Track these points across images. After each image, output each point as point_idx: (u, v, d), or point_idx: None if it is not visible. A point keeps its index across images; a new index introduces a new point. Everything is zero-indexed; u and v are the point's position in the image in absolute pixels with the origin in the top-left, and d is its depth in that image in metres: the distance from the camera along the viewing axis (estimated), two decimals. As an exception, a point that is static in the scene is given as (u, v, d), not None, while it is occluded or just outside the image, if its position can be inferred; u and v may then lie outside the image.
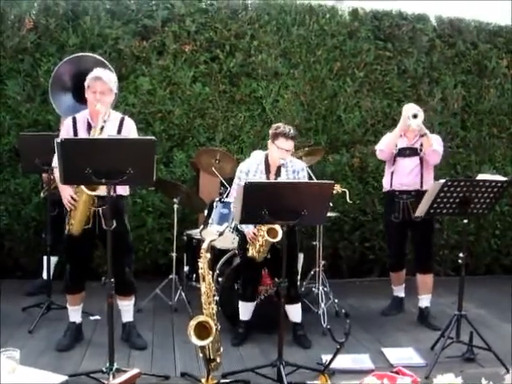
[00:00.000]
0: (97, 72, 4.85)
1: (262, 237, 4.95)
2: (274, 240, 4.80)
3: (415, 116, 5.77)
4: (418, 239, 6.07)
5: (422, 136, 5.84)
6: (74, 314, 5.17)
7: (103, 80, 4.76)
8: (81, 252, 4.97)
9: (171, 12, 7.29)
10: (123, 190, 4.97)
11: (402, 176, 5.95)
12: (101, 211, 4.78)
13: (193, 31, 7.29)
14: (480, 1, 8.71)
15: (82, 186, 4.48)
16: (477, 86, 8.06)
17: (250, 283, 5.39)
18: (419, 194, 5.68)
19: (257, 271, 5.38)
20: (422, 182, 5.90)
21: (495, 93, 8.06)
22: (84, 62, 5.99)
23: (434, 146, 5.81)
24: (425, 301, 6.04)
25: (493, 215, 7.93)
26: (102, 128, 4.59)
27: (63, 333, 5.15)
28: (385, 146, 5.99)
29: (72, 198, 4.70)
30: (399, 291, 6.38)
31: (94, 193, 4.54)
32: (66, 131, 4.83)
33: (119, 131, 4.86)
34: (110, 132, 4.72)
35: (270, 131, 5.14)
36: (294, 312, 5.34)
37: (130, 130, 4.95)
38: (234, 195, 5.03)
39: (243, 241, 5.25)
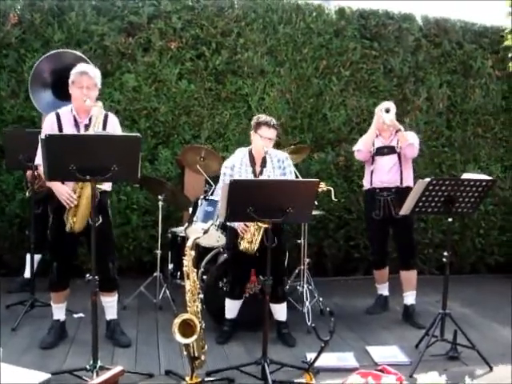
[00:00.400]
0: (82, 67, 4.84)
1: (253, 225, 4.93)
2: (266, 225, 4.76)
3: (387, 110, 5.86)
4: (399, 236, 6.12)
5: (396, 132, 5.93)
6: (58, 312, 5.13)
7: (89, 75, 4.75)
8: (67, 248, 4.94)
9: (157, 9, 7.26)
10: (107, 186, 4.92)
11: (382, 174, 6.02)
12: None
13: (179, 28, 7.27)
14: (466, 1, 8.75)
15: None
16: (462, 86, 8.11)
17: (239, 281, 5.37)
18: (399, 191, 5.86)
19: (246, 269, 5.36)
20: (401, 179, 5.97)
21: (480, 93, 8.11)
22: (64, 58, 5.97)
23: (410, 139, 5.90)
24: (409, 298, 6.06)
25: (477, 214, 7.98)
26: (98, 124, 4.60)
27: (47, 330, 5.12)
28: (362, 145, 6.05)
29: (71, 196, 4.62)
30: (383, 289, 6.39)
31: (101, 187, 4.56)
32: (49, 127, 4.76)
33: (104, 127, 4.80)
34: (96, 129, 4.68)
35: (252, 122, 5.20)
36: (280, 311, 5.34)
37: (115, 126, 4.93)
38: (218, 193, 5.05)
39: (233, 236, 5.19)
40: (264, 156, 5.17)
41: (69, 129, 4.76)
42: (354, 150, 6.17)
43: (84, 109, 4.73)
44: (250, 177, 5.15)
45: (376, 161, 6.04)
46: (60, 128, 4.77)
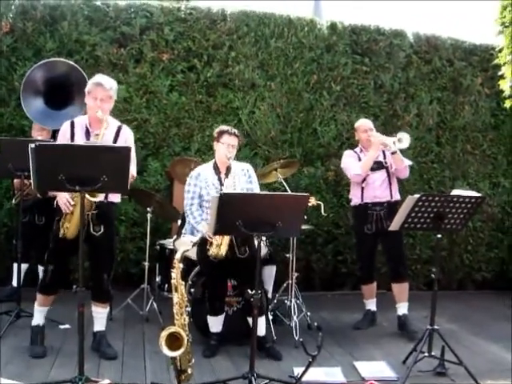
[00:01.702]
0: (98, 78, 4.91)
1: None
2: None
3: (400, 140, 5.93)
4: (391, 249, 6.15)
5: (392, 153, 6.00)
6: (40, 316, 5.11)
7: (104, 87, 4.80)
8: (66, 253, 4.95)
9: (150, 20, 7.27)
10: (115, 197, 4.95)
11: (374, 189, 6.10)
12: (90, 215, 4.78)
13: (171, 40, 7.28)
14: (456, 19, 8.82)
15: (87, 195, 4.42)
16: (452, 103, 8.16)
17: (216, 297, 5.36)
18: (390, 205, 6.03)
19: (222, 284, 5.37)
20: (391, 193, 6.11)
21: (470, 110, 8.16)
22: (57, 67, 5.97)
23: (405, 162, 6.08)
24: (402, 309, 6.11)
25: (465, 231, 8.00)
26: (97, 134, 4.65)
27: (31, 339, 5.07)
28: (362, 171, 6.05)
29: (69, 202, 4.66)
30: (371, 305, 6.38)
31: (95, 199, 4.52)
32: (63, 135, 4.84)
33: (115, 139, 4.88)
34: (107, 139, 4.75)
35: (214, 134, 5.34)
36: (259, 325, 5.15)
37: (127, 139, 4.97)
38: (188, 207, 5.27)
39: (202, 249, 5.19)
40: (228, 165, 5.25)
41: (80, 137, 4.81)
42: (350, 174, 6.16)
43: (96, 119, 4.77)
44: (216, 183, 5.21)
45: (367, 177, 6.08)
46: (72, 136, 4.82)
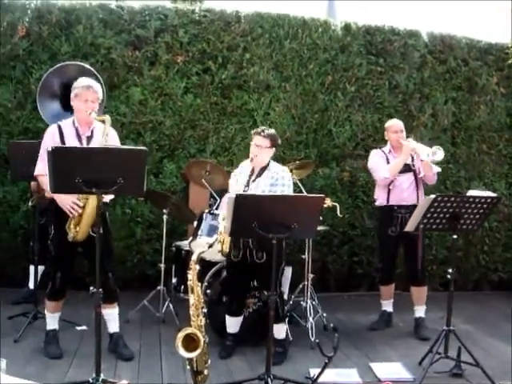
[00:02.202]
0: (86, 81, 4.93)
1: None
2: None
3: (434, 153, 5.88)
4: (411, 252, 6.01)
5: (421, 161, 5.99)
6: (54, 321, 5.16)
7: (94, 89, 4.84)
8: (69, 258, 5.02)
9: (164, 22, 7.29)
10: (106, 198, 4.96)
11: (401, 192, 6.07)
12: None
13: (185, 42, 7.30)
14: (471, 18, 8.78)
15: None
16: (467, 103, 8.11)
17: (236, 298, 5.37)
18: (415, 208, 5.79)
19: (243, 285, 5.36)
20: (418, 197, 6.07)
21: (485, 109, 8.11)
22: (73, 70, 5.99)
23: (434, 169, 6.02)
24: (420, 312, 6.14)
25: (481, 231, 7.95)
26: (106, 137, 4.72)
27: (48, 342, 5.12)
28: (391, 175, 6.03)
29: (76, 204, 4.68)
30: (388, 306, 6.38)
31: (107, 197, 4.68)
32: (51, 139, 4.80)
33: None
34: (97, 140, 4.80)
35: None
36: (278, 329, 5.22)
37: (114, 139, 4.99)
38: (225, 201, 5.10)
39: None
40: (264, 167, 5.22)
41: (71, 141, 4.82)
42: (380, 177, 6.12)
43: (87, 121, 4.82)
44: (243, 182, 5.22)
45: (394, 179, 6.06)
46: (62, 140, 4.82)
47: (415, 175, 6.09)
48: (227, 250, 5.13)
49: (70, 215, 4.72)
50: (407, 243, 6.05)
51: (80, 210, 4.69)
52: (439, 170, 6.14)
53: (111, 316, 5.18)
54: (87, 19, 7.09)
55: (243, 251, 5.16)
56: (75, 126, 4.88)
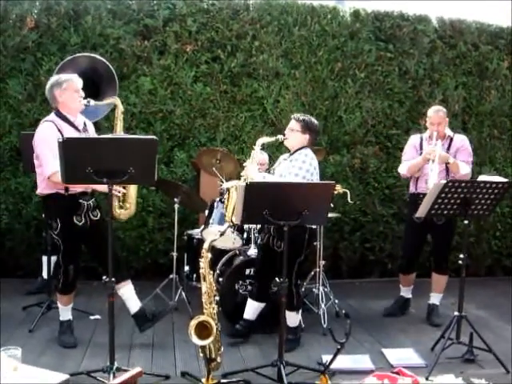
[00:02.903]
0: (66, 75, 5.02)
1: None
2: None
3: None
4: (439, 241, 6.09)
5: (447, 163, 5.77)
6: (67, 313, 5.22)
7: (78, 78, 4.99)
8: (79, 249, 5.14)
9: (172, 12, 7.29)
10: None
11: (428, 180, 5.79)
12: (92, 204, 5.00)
13: (194, 31, 7.29)
14: (481, 2, 8.71)
15: None
16: (478, 88, 8.06)
17: (265, 283, 5.34)
18: None
19: (270, 271, 5.21)
20: None
21: (496, 94, 8.05)
22: (84, 62, 6.00)
23: (462, 170, 5.75)
24: (435, 298, 6.15)
25: (493, 217, 7.93)
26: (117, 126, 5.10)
27: (62, 331, 5.18)
28: (407, 172, 5.99)
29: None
30: (406, 292, 6.35)
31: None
32: (52, 134, 4.73)
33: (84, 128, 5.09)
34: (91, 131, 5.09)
35: None
36: (291, 317, 5.22)
37: (93, 131, 5.22)
38: None
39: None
40: (294, 152, 5.20)
41: (70, 133, 4.84)
42: (399, 170, 6.14)
43: (77, 110, 4.97)
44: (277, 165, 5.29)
45: (422, 166, 5.89)
46: (61, 133, 4.78)
47: (446, 166, 5.80)
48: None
49: (116, 194, 5.01)
50: (434, 233, 6.04)
51: (124, 190, 5.06)
52: (468, 171, 5.82)
53: (128, 294, 5.20)
54: (95, 10, 7.10)
55: (267, 236, 5.20)
56: (66, 119, 4.91)
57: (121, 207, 5.24)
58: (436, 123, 5.86)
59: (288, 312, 5.09)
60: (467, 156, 5.95)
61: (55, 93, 4.91)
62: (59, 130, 4.81)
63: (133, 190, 5.28)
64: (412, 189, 6.12)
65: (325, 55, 7.58)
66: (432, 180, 5.56)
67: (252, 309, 5.40)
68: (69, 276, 5.07)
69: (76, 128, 4.93)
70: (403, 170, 6.04)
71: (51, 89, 4.92)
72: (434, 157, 5.64)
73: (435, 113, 5.91)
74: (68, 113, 4.94)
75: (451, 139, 5.95)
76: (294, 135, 5.18)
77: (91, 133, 5.10)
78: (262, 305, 5.40)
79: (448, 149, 5.90)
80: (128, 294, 5.21)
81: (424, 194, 5.68)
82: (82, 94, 4.94)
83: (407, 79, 7.84)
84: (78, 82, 4.94)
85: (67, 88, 4.89)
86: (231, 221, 5.00)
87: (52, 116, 4.94)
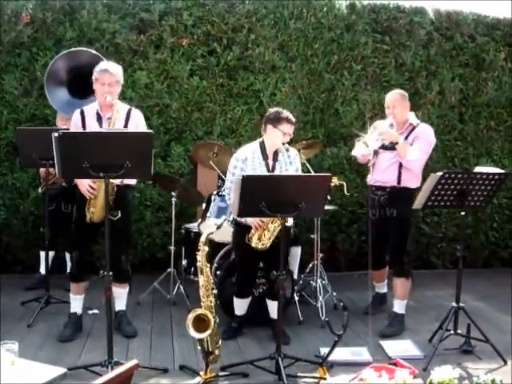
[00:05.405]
0: (104, 65, 5.02)
1: (273, 222, 4.83)
2: (288, 224, 4.76)
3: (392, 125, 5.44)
4: (392, 239, 5.62)
5: (395, 144, 5.38)
6: (77, 304, 5.22)
7: (110, 72, 4.91)
8: (89, 239, 5.15)
9: (168, 6, 7.27)
10: (131, 180, 5.04)
11: (378, 171, 5.61)
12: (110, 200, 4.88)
13: (190, 25, 7.28)
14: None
15: None
16: (474, 79, 8.05)
17: (246, 280, 5.38)
18: (395, 191, 5.49)
19: (253, 267, 5.36)
20: (399, 179, 5.48)
21: (493, 86, 8.05)
22: (80, 56, 6.01)
23: (409, 156, 5.32)
24: (397, 306, 5.61)
25: (491, 208, 7.94)
26: (114, 121, 4.79)
27: (64, 324, 5.19)
28: (358, 153, 5.66)
29: (91, 187, 4.80)
30: (381, 288, 6.16)
31: (115, 181, 4.71)
32: (74, 124, 4.97)
33: (126, 122, 4.98)
34: (119, 124, 4.87)
35: (270, 116, 5.03)
36: (274, 308, 5.06)
37: (138, 122, 5.08)
38: (228, 186, 5.06)
39: (241, 234, 5.13)
40: (276, 150, 5.12)
41: (92, 123, 4.93)
42: (352, 154, 5.85)
43: (106, 104, 4.88)
44: (264, 170, 5.04)
45: (379, 154, 5.60)
46: (83, 124, 4.93)
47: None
48: (267, 244, 4.93)
49: (87, 198, 4.85)
50: (389, 229, 5.59)
51: (95, 193, 4.81)
52: (417, 157, 5.35)
53: (120, 294, 5.26)
54: (91, 4, 7.09)
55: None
56: (96, 109, 4.98)
57: (93, 208, 4.96)
58: (390, 106, 5.52)
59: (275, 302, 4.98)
60: (424, 145, 5.45)
61: (93, 80, 4.98)
62: (83, 119, 4.94)
63: (102, 198, 4.68)
64: (369, 180, 5.81)
65: (321, 48, 7.57)
66: (367, 140, 5.36)
67: (240, 305, 5.41)
68: (73, 263, 5.18)
69: (100, 119, 4.95)
70: (355, 152, 5.69)
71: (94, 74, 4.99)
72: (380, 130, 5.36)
73: (390, 95, 5.60)
74: (99, 103, 4.99)
75: (414, 127, 5.52)
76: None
77: (133, 123, 5.01)
78: (248, 300, 5.42)
79: (407, 137, 5.47)
80: (120, 294, 5.27)
81: (376, 187, 5.61)
82: (108, 89, 4.85)
83: (404, 71, 7.83)
84: (106, 75, 4.88)
85: (97, 79, 4.93)
86: None
87: (92, 103, 5.11)
